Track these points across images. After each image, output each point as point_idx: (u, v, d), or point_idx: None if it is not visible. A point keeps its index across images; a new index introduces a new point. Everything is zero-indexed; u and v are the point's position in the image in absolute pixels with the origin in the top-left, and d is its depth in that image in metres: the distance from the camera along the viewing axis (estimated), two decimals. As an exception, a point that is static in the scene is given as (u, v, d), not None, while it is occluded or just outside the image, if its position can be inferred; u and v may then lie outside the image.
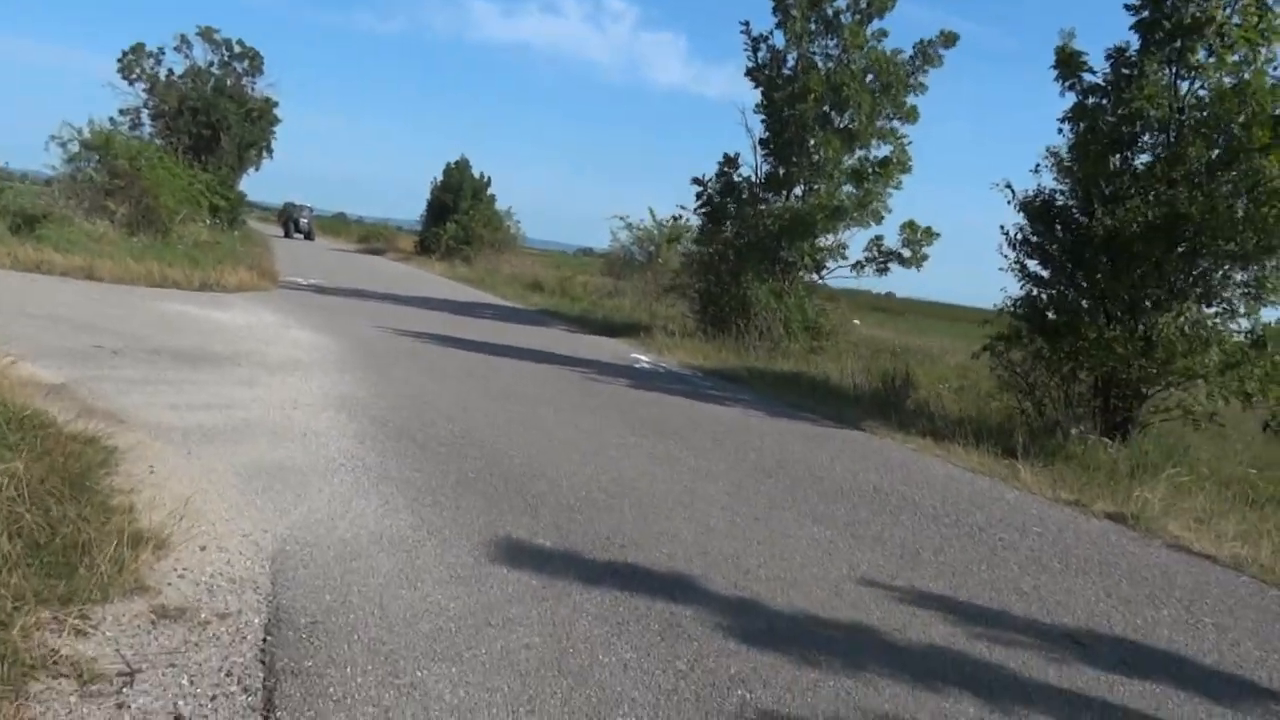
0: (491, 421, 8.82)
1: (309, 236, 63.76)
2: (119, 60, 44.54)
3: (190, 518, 4.96)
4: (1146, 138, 10.78)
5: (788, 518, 6.52)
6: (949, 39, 17.85)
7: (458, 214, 51.54)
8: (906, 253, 18.98)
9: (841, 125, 18.37)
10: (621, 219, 33.34)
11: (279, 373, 10.19)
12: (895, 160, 18.94)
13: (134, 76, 45.30)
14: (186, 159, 36.23)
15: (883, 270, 19.53)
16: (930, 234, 18.75)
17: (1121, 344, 10.28)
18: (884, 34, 18.46)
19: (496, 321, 20.48)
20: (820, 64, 18.84)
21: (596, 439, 8.57)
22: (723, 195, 20.71)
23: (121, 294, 15.93)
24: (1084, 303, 11.18)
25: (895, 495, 7.61)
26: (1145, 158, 10.89)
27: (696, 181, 20.85)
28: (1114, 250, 10.61)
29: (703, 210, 20.95)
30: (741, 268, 19.10)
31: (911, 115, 18.28)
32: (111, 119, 29.86)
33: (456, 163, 54.56)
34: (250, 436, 7.18)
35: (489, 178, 53.74)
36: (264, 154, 49.16)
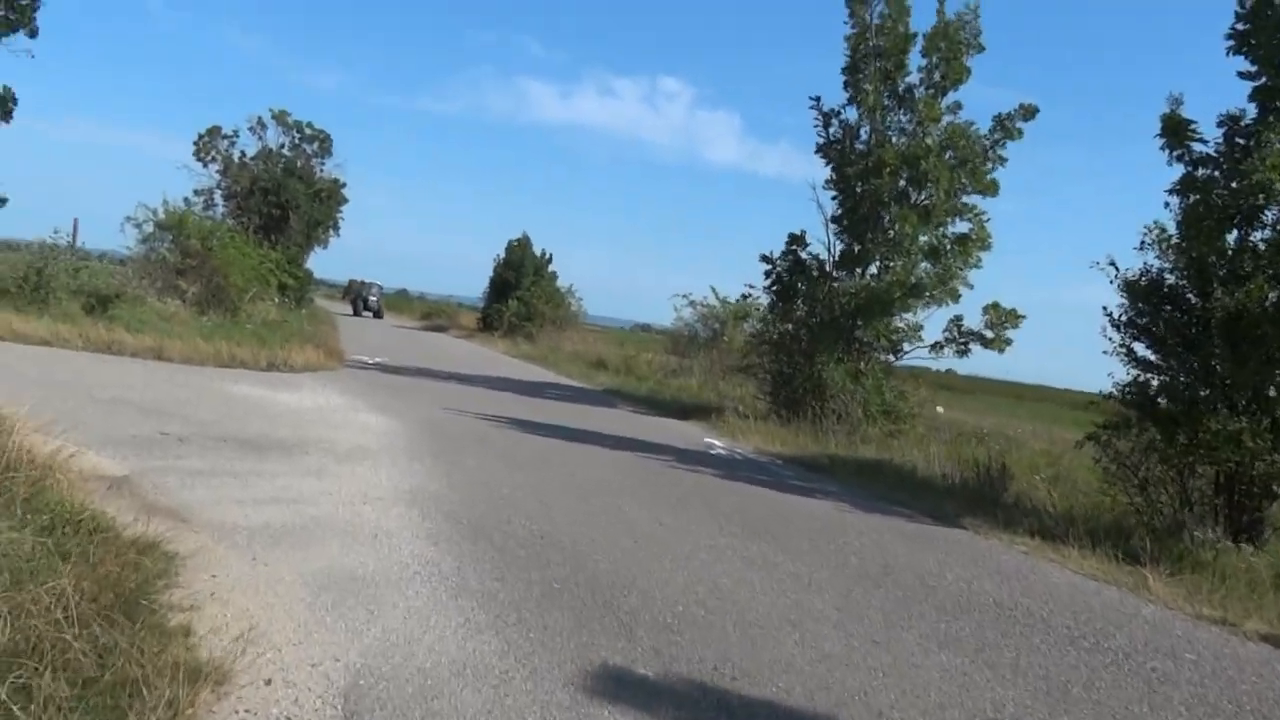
0: (571, 518, 8.25)
1: (378, 315, 62.73)
2: (195, 143, 45.83)
3: (255, 643, 4.44)
4: (1270, 212, 10.02)
5: (909, 640, 5.81)
6: (1028, 112, 17.32)
7: (519, 290, 51.79)
8: (989, 334, 18.21)
9: (918, 200, 17.80)
10: (685, 296, 33.08)
11: (348, 462, 9.77)
12: (974, 236, 18.31)
13: (209, 158, 46.55)
14: (256, 238, 36.89)
15: (963, 352, 18.77)
16: (1015, 316, 17.99)
17: (1250, 436, 9.43)
18: (958, 106, 18.04)
19: (564, 403, 20.04)
20: (893, 138, 18.40)
21: (685, 539, 7.95)
22: (792, 273, 20.20)
23: (190, 375, 15.79)
24: (1202, 390, 10.33)
25: (1020, 611, 6.85)
26: (1267, 234, 10.12)
27: (765, 259, 20.41)
28: (1235, 333, 9.80)
29: (772, 288, 20.43)
30: (815, 348, 18.49)
31: (991, 189, 17.69)
32: (186, 199, 30.46)
33: (518, 240, 55.04)
34: (319, 538, 6.69)
35: (550, 255, 54.10)
36: (331, 232, 49.97)
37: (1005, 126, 17.49)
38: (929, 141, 17.46)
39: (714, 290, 32.57)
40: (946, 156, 17.49)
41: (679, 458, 13.23)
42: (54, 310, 20.06)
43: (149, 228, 27.14)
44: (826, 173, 19.76)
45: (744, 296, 20.91)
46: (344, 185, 47.95)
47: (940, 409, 18.71)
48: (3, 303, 20.02)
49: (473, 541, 7.07)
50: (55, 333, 17.88)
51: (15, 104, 28.67)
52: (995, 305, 17.99)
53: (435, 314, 70.84)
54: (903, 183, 17.81)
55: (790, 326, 20.29)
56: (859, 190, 18.40)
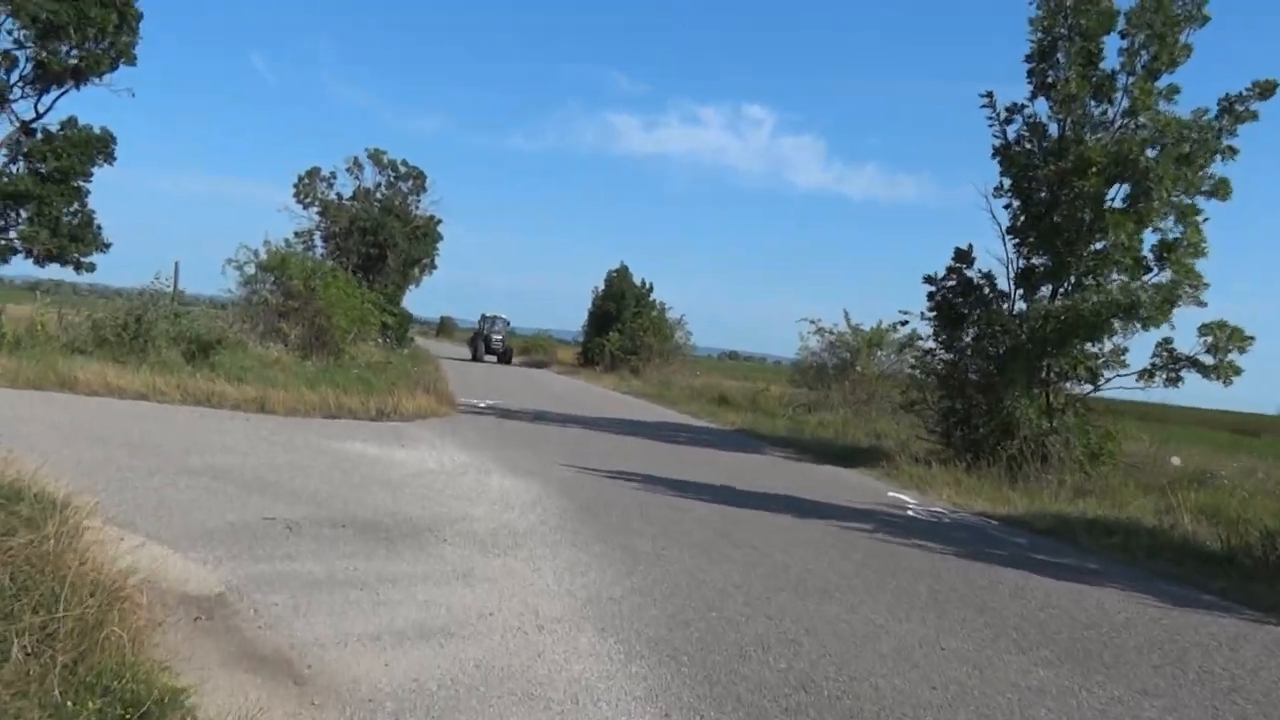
0: (817, 643, 5.91)
1: (505, 358, 52.19)
2: (295, 184, 45.20)
3: None
4: None
5: None
6: (1266, 89, 14.39)
7: (620, 322, 49.85)
8: (1208, 359, 15.23)
9: (1129, 204, 15.02)
10: (812, 323, 30.55)
11: (496, 552, 7.62)
12: (1186, 243, 15.40)
13: (308, 200, 45.88)
14: (356, 277, 35.68)
15: (1173, 381, 15.84)
16: (1242, 337, 14.98)
17: None
18: (1175, 91, 15.19)
19: (702, 449, 17.74)
20: (1090, 134, 15.72)
21: (992, 677, 5.54)
22: (959, 294, 17.59)
23: (296, 431, 13.97)
24: None
25: None
26: None
27: (928, 280, 17.84)
28: None
29: (934, 313, 17.82)
30: (998, 380, 15.84)
31: (1222, 190, 14.81)
32: (286, 240, 29.12)
33: (617, 271, 53.15)
34: (496, 708, 4.49)
35: (650, 285, 52.00)
36: (427, 270, 48.81)
37: (1234, 111, 14.61)
38: (1145, 134, 14.67)
39: (846, 315, 30.01)
40: (1165, 150, 14.69)
41: (880, 525, 10.79)
42: (153, 359, 18.65)
43: (250, 269, 25.86)
44: (997, 179, 17.21)
45: (900, 324, 18.32)
46: (440, 222, 46.74)
47: (1176, 460, 15.85)
48: (102, 353, 18.68)
49: (716, 705, 4.78)
50: (152, 385, 16.35)
51: (115, 143, 27.91)
52: (1220, 324, 15.03)
53: (533, 349, 68.85)
54: (1113, 185, 15.07)
55: (955, 356, 17.67)
56: (1050, 196, 15.75)
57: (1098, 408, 16.46)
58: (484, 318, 55.71)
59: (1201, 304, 14.75)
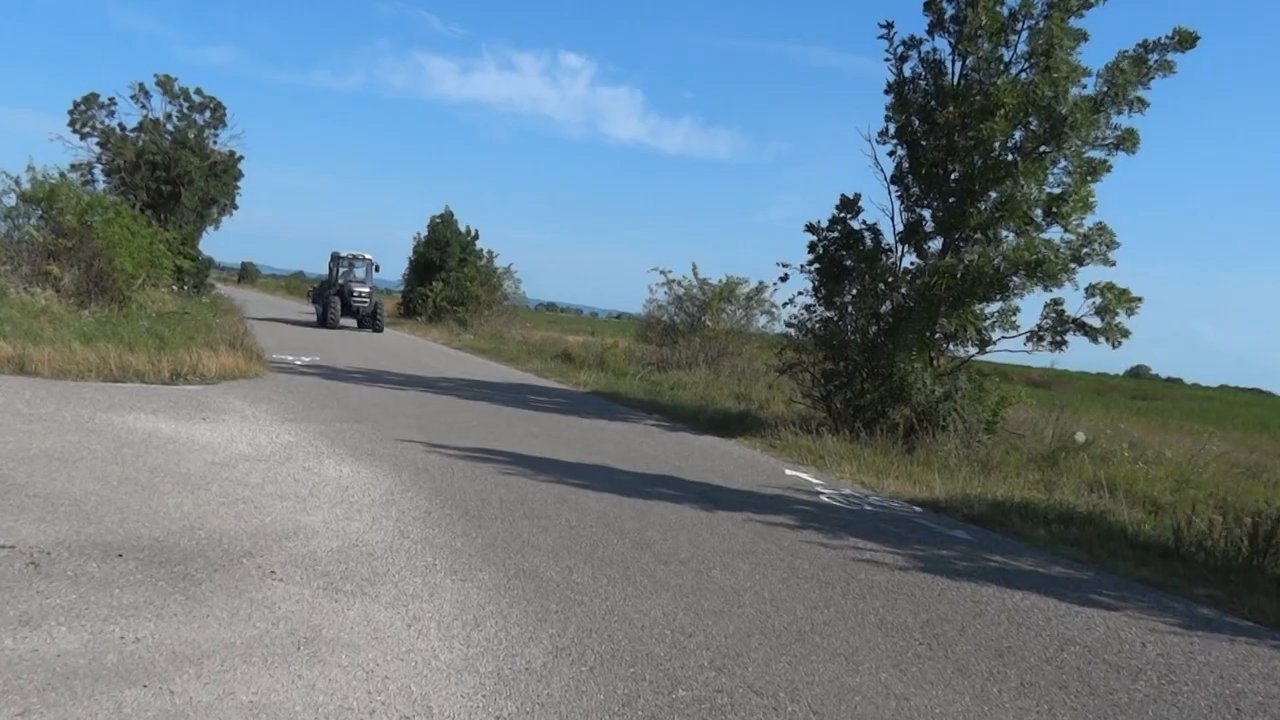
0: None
1: (374, 322, 35.75)
2: (69, 112, 39.54)
3: None
4: None
5: None
6: (1185, 39, 13.40)
7: (445, 271, 46.83)
8: (1096, 322, 14.36)
9: (1033, 152, 13.81)
10: (662, 274, 28.82)
11: (348, 590, 5.41)
12: (1075, 198, 14.41)
13: (86, 130, 40.29)
14: (145, 216, 31.31)
15: (1058, 345, 14.95)
16: (1130, 299, 14.14)
17: None
18: (1083, 36, 14.03)
19: (563, 415, 15.71)
20: (990, 75, 14.45)
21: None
22: (841, 246, 16.16)
23: (63, 400, 11.03)
24: None
25: None
26: None
27: (810, 229, 16.32)
28: None
29: (815, 266, 16.34)
30: (892, 342, 14.53)
31: (1129, 141, 13.83)
32: (61, 172, 24.66)
33: (441, 216, 49.86)
34: None
35: (476, 231, 49.05)
36: (228, 210, 44.10)
37: (1142, 61, 13.53)
38: (1056, 75, 13.42)
39: (694, 267, 28.42)
40: (1081, 93, 13.52)
41: (802, 518, 9.12)
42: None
43: (10, 200, 21.76)
44: (885, 122, 15.82)
45: (781, 279, 16.74)
46: (241, 159, 42.15)
47: (1081, 435, 15.01)
48: None
49: None
50: None
51: None
52: (1109, 286, 14.15)
53: None
54: (1017, 130, 13.82)
55: (835, 314, 16.30)
56: (946, 141, 14.41)
57: (984, 372, 15.47)
58: (337, 259, 37.80)
59: (1110, 263, 13.82)
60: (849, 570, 7.20)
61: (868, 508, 10.06)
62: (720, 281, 27.91)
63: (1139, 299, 14.27)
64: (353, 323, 36.21)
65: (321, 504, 7.50)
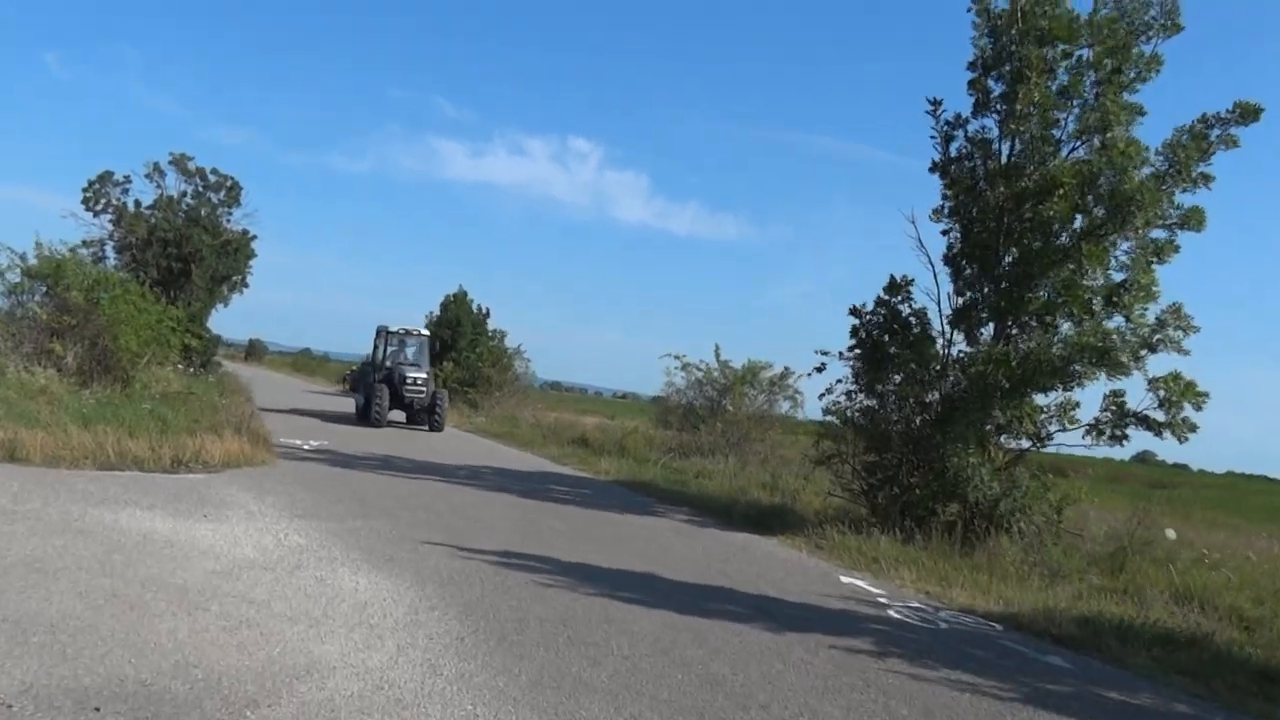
0: None
1: (433, 418, 27.46)
2: (83, 190, 39.16)
3: None
4: None
5: None
6: (1247, 113, 12.71)
7: (456, 351, 46.05)
8: (1160, 416, 13.37)
9: (1094, 234, 12.98)
10: (677, 357, 27.94)
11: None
12: (1136, 285, 13.57)
13: (99, 207, 39.90)
14: (155, 293, 30.66)
15: (1119, 439, 13.97)
16: (1196, 392, 13.17)
17: None
18: (1140, 110, 13.35)
19: (586, 509, 14.70)
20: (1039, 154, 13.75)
21: None
22: (884, 331, 15.29)
23: (52, 491, 10.09)
24: None
25: None
26: None
27: (854, 312, 15.47)
28: None
29: (856, 351, 15.44)
30: (945, 433, 13.55)
31: (1195, 220, 13.04)
32: (70, 247, 23.93)
33: (454, 295, 49.23)
34: None
35: (488, 310, 48.41)
36: (238, 289, 43.45)
37: (1203, 136, 12.80)
38: (1115, 151, 12.67)
39: (716, 350, 27.57)
40: (1146, 173, 12.77)
41: (878, 640, 8.08)
42: None
43: (15, 276, 21.06)
44: (938, 199, 15.13)
45: (819, 368, 15.78)
46: (254, 237, 41.62)
47: (1171, 533, 13.98)
48: None
49: None
50: None
51: None
52: (1175, 376, 13.20)
53: None
54: (1078, 211, 13.04)
55: (877, 403, 15.36)
56: (996, 223, 13.66)
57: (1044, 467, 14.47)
58: (386, 335, 29.25)
59: (1184, 352, 12.90)
60: (953, 712, 6.15)
61: (943, 625, 9.00)
62: (742, 365, 27.06)
63: (1205, 394, 13.32)
64: (401, 415, 27.82)
65: (338, 627, 6.49)
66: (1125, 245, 13.29)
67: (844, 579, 10.89)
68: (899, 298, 15.27)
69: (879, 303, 15.25)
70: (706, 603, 8.75)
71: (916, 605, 9.82)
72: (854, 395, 15.60)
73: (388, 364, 28.24)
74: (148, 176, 40.42)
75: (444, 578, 8.48)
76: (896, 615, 9.25)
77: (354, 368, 38.29)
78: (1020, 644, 8.55)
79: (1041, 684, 7.24)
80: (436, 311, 49.10)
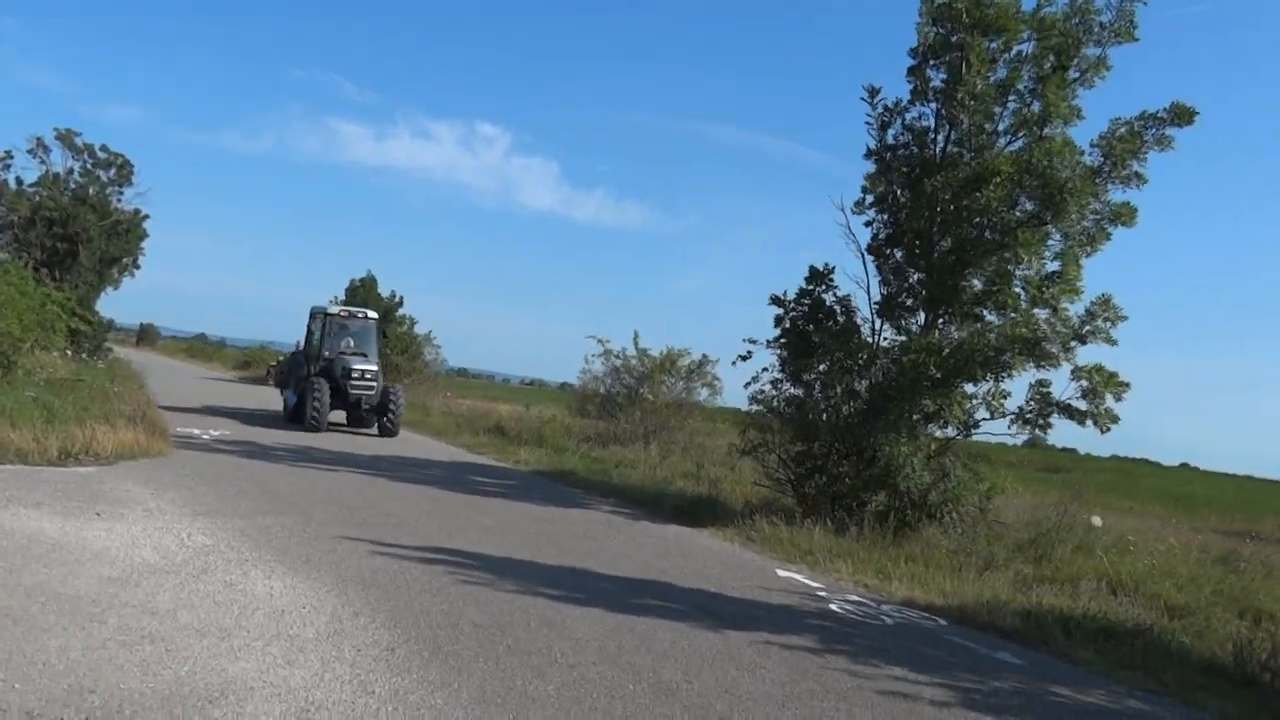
0: None
1: (383, 419, 22.69)
2: (-41, 166, 36.61)
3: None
4: None
5: None
6: (1181, 114, 12.74)
7: (365, 338, 44.70)
8: (1082, 405, 13.45)
9: (1036, 223, 12.92)
10: (600, 342, 27.41)
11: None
12: (1061, 279, 13.61)
13: (-24, 183, 37.38)
14: (38, 275, 28.80)
15: (1043, 428, 14.05)
16: (1118, 383, 13.26)
17: None
18: (1078, 113, 13.26)
19: (510, 502, 14.14)
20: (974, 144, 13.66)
21: None
22: (808, 321, 15.08)
23: (-79, 493, 9.12)
24: None
25: None
26: None
27: (776, 301, 15.22)
28: None
29: (781, 341, 15.20)
30: (878, 423, 13.40)
31: (1126, 216, 13.07)
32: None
33: (363, 280, 47.81)
34: None
35: (401, 297, 47.20)
36: (129, 271, 41.29)
37: (1134, 134, 12.76)
38: (1053, 145, 12.62)
39: (635, 337, 27.11)
40: (1082, 163, 12.72)
41: (819, 637, 7.78)
42: None
43: (-120, 253, 19.45)
44: (863, 192, 14.97)
45: (744, 356, 15.52)
46: (146, 217, 39.56)
47: (1097, 520, 14.05)
48: None
49: None
50: None
51: None
52: (1098, 368, 13.26)
53: (255, 362, 60.80)
54: (1021, 203, 12.94)
55: (802, 393, 15.16)
56: (930, 211, 13.53)
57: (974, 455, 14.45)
58: (324, 317, 24.04)
59: (1113, 342, 12.96)
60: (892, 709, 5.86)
61: (887, 620, 8.75)
62: (661, 352, 26.72)
63: (1126, 384, 13.41)
64: (342, 416, 23.43)
65: (253, 640, 5.87)
66: (1055, 238, 13.28)
67: (780, 572, 10.60)
68: (822, 286, 15.08)
69: (801, 292, 15.03)
70: (645, 600, 8.35)
71: (857, 599, 9.57)
72: (780, 384, 15.37)
73: (326, 353, 23.11)
74: (30, 152, 38.00)
75: (367, 579, 7.88)
76: (839, 610, 8.99)
77: (280, 357, 31.06)
78: (968, 639, 8.36)
79: (998, 683, 7.03)
80: (342, 296, 47.64)
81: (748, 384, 15.33)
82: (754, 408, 15.74)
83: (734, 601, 8.85)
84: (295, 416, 22.92)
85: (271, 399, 29.25)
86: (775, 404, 15.39)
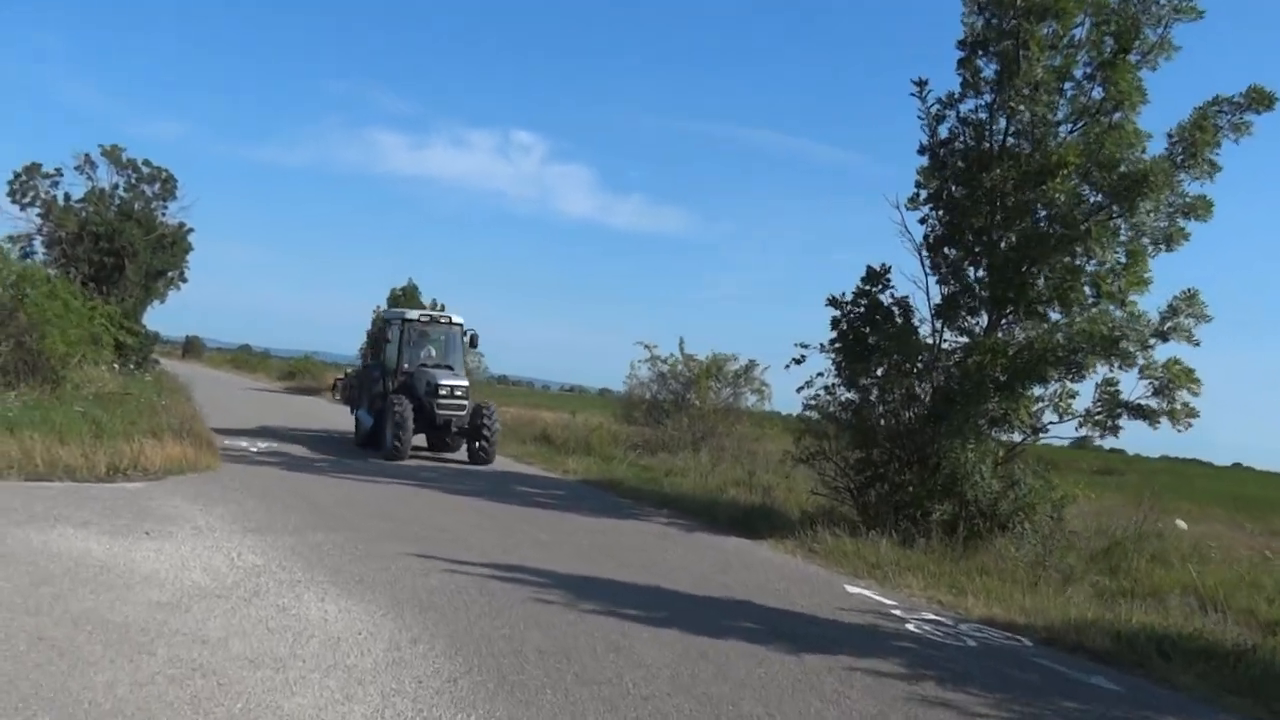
0: None
1: (480, 447, 19.20)
2: (9, 182, 36.97)
3: None
4: None
5: None
6: (1261, 99, 12.07)
7: (408, 346, 44.66)
8: (1155, 404, 12.84)
9: (1110, 219, 12.34)
10: (647, 348, 26.99)
11: None
12: (1127, 274, 13.01)
13: (26, 200, 37.76)
14: (87, 290, 28.97)
15: (1112, 430, 13.46)
16: (1191, 377, 12.64)
17: None
18: (1145, 97, 12.67)
19: (562, 514, 13.78)
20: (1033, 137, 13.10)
21: None
22: (865, 323, 14.57)
23: (-32, 513, 8.93)
24: None
25: None
26: None
27: (833, 303, 14.73)
28: None
29: (837, 345, 14.68)
30: (942, 428, 12.88)
31: (1201, 210, 12.44)
32: (-6, 243, 22.23)
33: (404, 288, 47.91)
34: None
35: (442, 304, 47.11)
36: (175, 284, 41.52)
37: (1209, 122, 12.15)
38: (1131, 131, 12.06)
39: (681, 343, 26.62)
40: (1161, 153, 12.13)
41: (904, 662, 7.31)
42: None
43: (-71, 271, 19.55)
44: (915, 188, 14.45)
45: (798, 360, 15.02)
46: (191, 230, 39.76)
47: (1181, 523, 13.46)
48: None
49: None
50: None
51: None
52: (1174, 361, 12.64)
53: (300, 373, 60.75)
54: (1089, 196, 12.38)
55: (859, 398, 14.64)
56: (990, 207, 13.00)
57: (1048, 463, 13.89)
58: (401, 324, 21.05)
59: (1195, 342, 12.36)
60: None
61: (971, 643, 8.26)
62: (707, 357, 26.26)
63: (1200, 380, 12.79)
64: (423, 441, 19.93)
65: (309, 672, 5.54)
66: (1125, 233, 12.70)
67: (849, 588, 10.12)
68: (878, 287, 14.57)
69: (858, 293, 14.53)
70: (715, 621, 7.92)
71: (933, 617, 9.09)
72: (835, 389, 14.88)
73: (405, 366, 19.91)
74: (78, 168, 38.27)
75: (423, 601, 7.54)
76: (916, 630, 8.51)
77: (348, 370, 27.15)
78: (1057, 662, 7.85)
79: (1098, 710, 6.53)
80: (384, 305, 47.72)
81: (800, 388, 14.86)
82: (808, 413, 15.27)
83: (806, 620, 8.41)
84: (371, 440, 19.92)
85: (330, 415, 29.14)
86: (831, 409, 14.91)
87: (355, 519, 11.21)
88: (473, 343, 21.69)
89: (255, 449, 17.83)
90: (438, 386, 18.87)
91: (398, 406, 18.46)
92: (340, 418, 26.29)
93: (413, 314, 22.15)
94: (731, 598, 9.02)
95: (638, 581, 9.26)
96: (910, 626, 8.63)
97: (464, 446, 19.57)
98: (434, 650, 6.26)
